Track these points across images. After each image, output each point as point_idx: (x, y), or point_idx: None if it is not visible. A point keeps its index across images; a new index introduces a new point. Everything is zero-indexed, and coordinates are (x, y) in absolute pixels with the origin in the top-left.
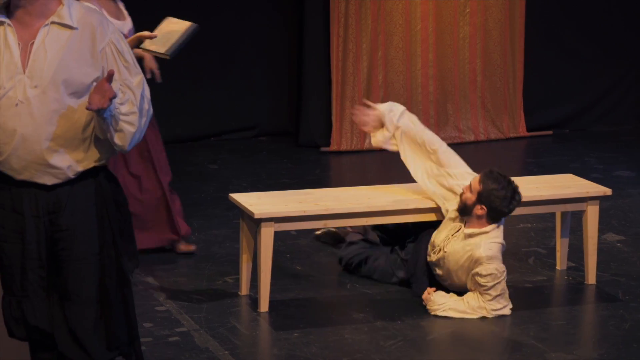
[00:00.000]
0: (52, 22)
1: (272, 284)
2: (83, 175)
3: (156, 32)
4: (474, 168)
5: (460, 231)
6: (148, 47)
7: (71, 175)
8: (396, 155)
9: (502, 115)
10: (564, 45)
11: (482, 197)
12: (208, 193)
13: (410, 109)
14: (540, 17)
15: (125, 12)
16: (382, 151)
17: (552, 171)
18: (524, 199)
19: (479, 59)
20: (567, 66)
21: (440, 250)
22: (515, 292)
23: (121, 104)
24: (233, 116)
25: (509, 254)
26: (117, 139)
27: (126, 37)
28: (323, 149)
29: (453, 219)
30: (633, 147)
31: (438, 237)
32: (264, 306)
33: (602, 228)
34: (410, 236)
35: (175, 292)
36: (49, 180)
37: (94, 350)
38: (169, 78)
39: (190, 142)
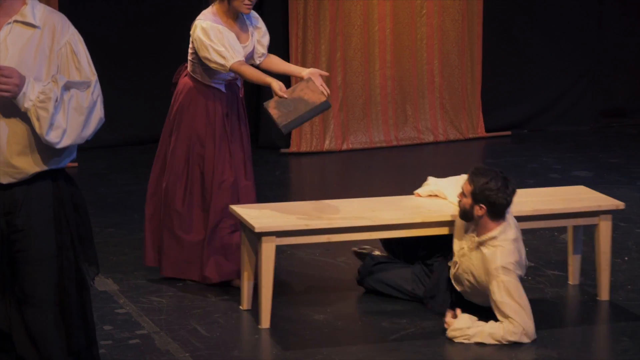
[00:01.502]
0: (15, 21)
1: (231, 285)
2: (40, 176)
3: (289, 91)
4: (433, 168)
5: (473, 242)
6: (270, 109)
7: (29, 174)
8: (355, 156)
9: (461, 116)
10: (521, 46)
11: (477, 196)
12: None
13: (369, 109)
14: (497, 18)
15: (250, 34)
16: (340, 152)
17: (510, 171)
18: (535, 212)
19: (437, 59)
20: (525, 67)
21: (457, 264)
22: None
23: (42, 92)
24: None
25: None
26: (37, 128)
27: (245, 59)
28: (283, 150)
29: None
30: (591, 147)
31: (455, 245)
32: (265, 322)
33: (560, 228)
34: (422, 250)
35: (135, 295)
36: (4, 180)
37: (53, 353)
38: (129, 79)
39: (150, 144)
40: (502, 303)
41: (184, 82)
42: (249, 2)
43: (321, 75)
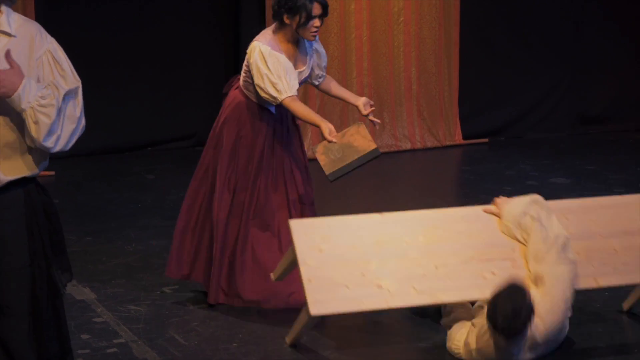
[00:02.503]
0: None
1: (206, 293)
2: (12, 185)
3: (338, 136)
4: (411, 176)
5: None
6: (318, 155)
7: (1, 183)
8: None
9: (438, 123)
10: (499, 53)
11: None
12: (145, 203)
13: (346, 117)
14: (475, 24)
15: (308, 58)
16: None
17: (488, 178)
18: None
19: (414, 67)
20: (503, 74)
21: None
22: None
23: (42, 97)
24: (170, 126)
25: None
26: (33, 131)
27: (301, 82)
28: None
29: None
30: (568, 154)
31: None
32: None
33: None
34: None
35: (113, 304)
36: None
37: None
38: (105, 86)
39: (128, 152)
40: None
41: (234, 94)
42: (315, 30)
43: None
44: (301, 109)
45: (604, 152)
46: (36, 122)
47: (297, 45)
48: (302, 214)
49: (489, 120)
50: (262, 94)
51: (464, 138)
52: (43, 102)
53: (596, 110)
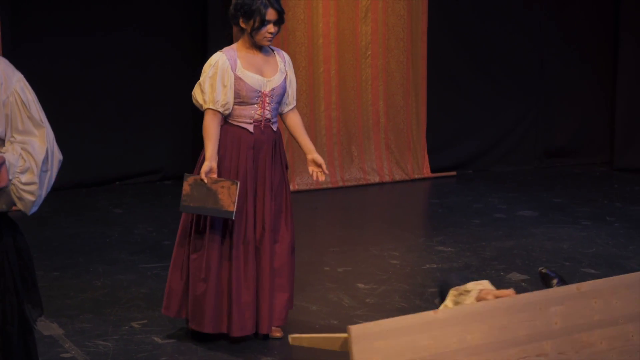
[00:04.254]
0: None
1: (178, 328)
2: None
3: (212, 179)
4: (379, 209)
5: None
6: (185, 184)
7: None
8: (301, 197)
9: (406, 157)
10: (466, 88)
11: None
12: (113, 238)
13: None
14: (442, 60)
15: (280, 71)
16: None
17: (456, 211)
18: None
19: (382, 100)
20: (470, 108)
21: None
22: None
23: (21, 172)
24: (137, 160)
25: None
26: (19, 205)
27: (274, 95)
28: None
29: None
30: (535, 186)
31: None
32: None
33: (506, 268)
34: None
35: (81, 339)
36: None
37: None
38: (72, 121)
39: (95, 187)
40: None
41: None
42: (270, 36)
43: (317, 164)
44: (208, 128)
45: (570, 184)
46: (20, 199)
47: (261, 51)
48: (250, 254)
49: (456, 153)
50: (193, 98)
51: (432, 171)
52: (24, 179)
53: (561, 142)
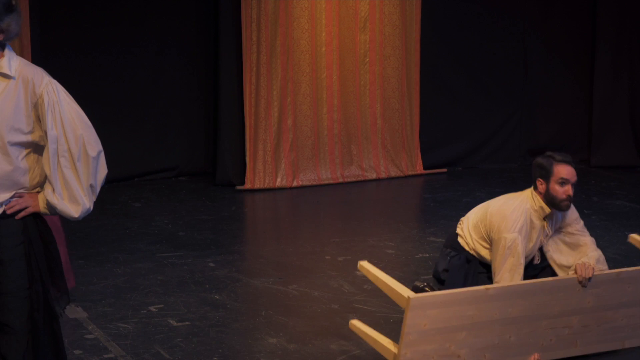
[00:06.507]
0: None
1: (192, 312)
2: (10, 215)
3: None
4: (377, 203)
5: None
6: None
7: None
8: (304, 192)
9: (401, 155)
10: (455, 92)
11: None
12: (132, 229)
13: (318, 150)
14: (433, 66)
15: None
16: (291, 189)
17: (446, 205)
18: None
19: (379, 104)
20: (459, 110)
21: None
22: None
23: (57, 200)
24: (155, 158)
25: None
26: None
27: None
28: (238, 187)
29: None
30: (519, 182)
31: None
32: None
33: None
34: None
35: (103, 322)
36: None
37: None
38: (98, 125)
39: (116, 182)
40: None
41: None
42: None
43: None
44: None
45: None
46: (62, 212)
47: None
48: None
49: (447, 152)
50: None
51: (425, 168)
52: (60, 207)
53: (543, 142)
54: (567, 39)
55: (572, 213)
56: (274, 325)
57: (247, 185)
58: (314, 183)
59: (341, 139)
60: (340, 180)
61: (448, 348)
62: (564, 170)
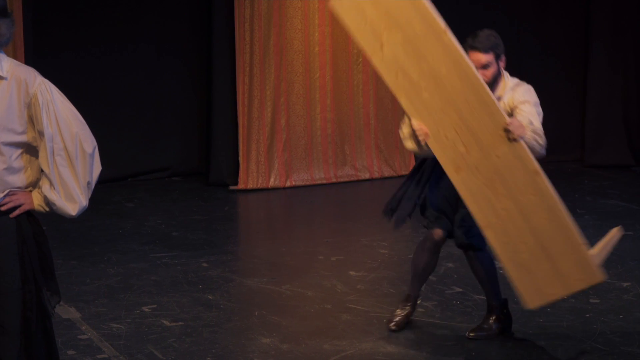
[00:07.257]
0: None
1: (185, 312)
2: (3, 214)
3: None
4: (370, 203)
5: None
6: None
7: None
8: (297, 192)
9: (394, 155)
10: None
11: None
12: (125, 229)
13: (311, 150)
14: None
15: None
16: (284, 189)
17: None
18: None
19: (372, 104)
20: None
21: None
22: None
23: (56, 197)
24: (148, 158)
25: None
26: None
27: None
28: (231, 187)
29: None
30: None
31: None
32: None
33: None
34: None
35: (97, 322)
36: None
37: None
38: (92, 125)
39: (109, 183)
40: None
41: None
42: None
43: None
44: None
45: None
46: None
47: None
48: None
49: None
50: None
51: None
52: (58, 204)
53: None
54: (561, 39)
55: (519, 96)
56: (267, 325)
57: (241, 186)
58: (307, 183)
59: (334, 139)
60: (334, 180)
61: None
62: (471, 57)
